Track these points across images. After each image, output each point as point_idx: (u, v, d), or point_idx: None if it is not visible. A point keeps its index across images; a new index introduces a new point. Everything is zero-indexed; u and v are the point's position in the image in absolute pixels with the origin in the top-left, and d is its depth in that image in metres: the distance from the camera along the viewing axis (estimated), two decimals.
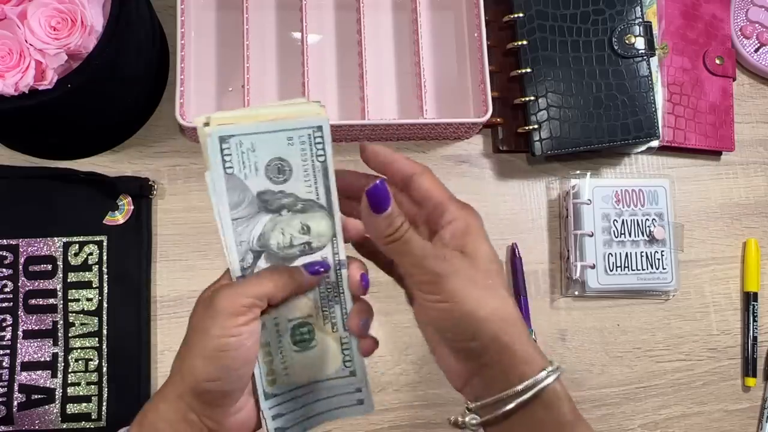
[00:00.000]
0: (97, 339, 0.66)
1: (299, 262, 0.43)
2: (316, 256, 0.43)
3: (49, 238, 0.67)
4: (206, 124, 0.39)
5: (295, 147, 0.41)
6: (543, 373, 0.39)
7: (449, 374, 0.42)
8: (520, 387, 0.38)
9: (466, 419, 0.41)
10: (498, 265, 0.41)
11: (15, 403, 0.64)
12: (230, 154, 0.40)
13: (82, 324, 0.66)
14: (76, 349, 0.65)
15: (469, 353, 0.40)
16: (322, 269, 0.43)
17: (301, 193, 0.42)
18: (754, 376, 0.75)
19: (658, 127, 0.73)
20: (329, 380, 0.45)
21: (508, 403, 0.39)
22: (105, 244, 0.67)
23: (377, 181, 0.39)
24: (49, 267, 0.66)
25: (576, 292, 0.74)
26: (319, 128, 0.41)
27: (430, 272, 0.39)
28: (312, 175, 0.42)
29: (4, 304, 0.65)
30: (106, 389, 0.65)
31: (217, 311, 0.39)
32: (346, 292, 0.44)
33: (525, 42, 0.72)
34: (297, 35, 0.74)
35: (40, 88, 0.57)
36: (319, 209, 0.42)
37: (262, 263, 0.42)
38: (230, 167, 0.40)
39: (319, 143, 0.41)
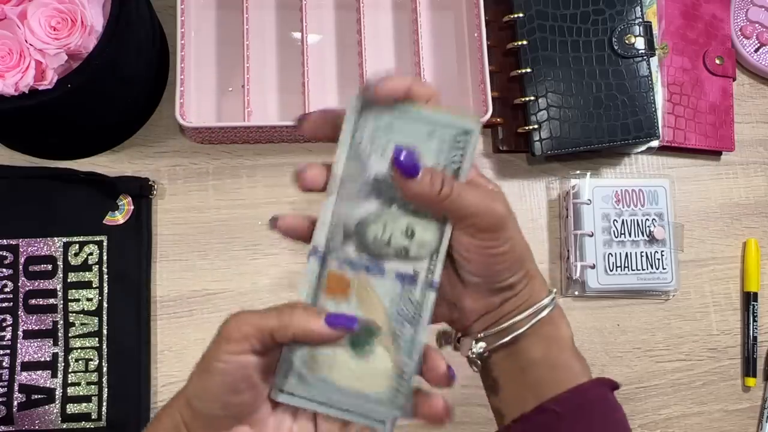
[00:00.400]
0: (97, 339, 0.66)
1: (390, 264, 0.39)
2: (407, 267, 0.39)
3: (49, 238, 0.67)
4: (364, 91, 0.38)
5: (432, 143, 0.38)
6: (550, 297, 0.43)
7: (459, 315, 0.43)
8: (536, 307, 0.42)
9: (474, 348, 0.43)
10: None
11: (15, 403, 0.64)
12: (366, 126, 0.38)
13: (82, 324, 0.66)
14: (76, 349, 0.65)
15: (500, 289, 0.42)
16: (345, 325, 0.37)
17: None
18: (754, 376, 0.75)
19: (658, 127, 0.73)
20: (365, 396, 0.39)
21: (522, 325, 0.42)
22: (105, 244, 0.67)
23: (404, 150, 0.37)
24: (49, 267, 0.66)
25: (576, 292, 0.74)
26: (467, 133, 0.38)
27: (490, 215, 0.39)
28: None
29: (4, 304, 0.65)
30: (106, 389, 0.65)
31: (220, 332, 0.37)
32: (425, 318, 0.39)
33: (525, 42, 0.72)
34: (297, 35, 0.74)
35: (40, 88, 0.57)
36: (431, 217, 0.39)
37: (350, 250, 0.39)
38: (360, 138, 0.38)
39: (459, 148, 0.38)
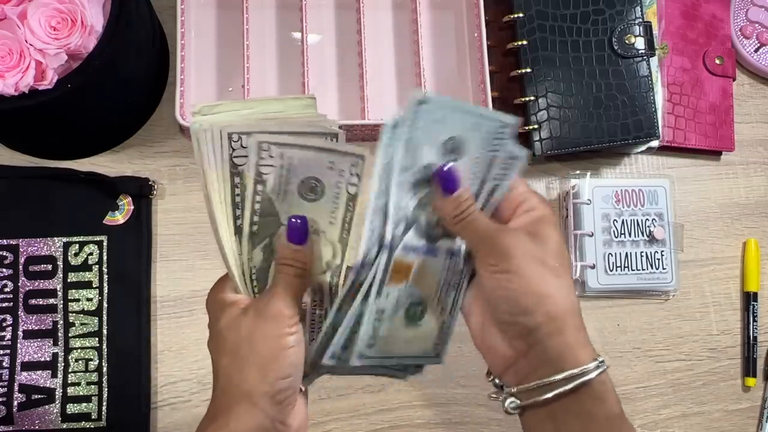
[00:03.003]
0: (97, 339, 0.66)
1: (441, 243, 0.44)
2: (454, 242, 0.44)
3: (49, 238, 0.67)
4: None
5: (477, 134, 0.42)
6: (594, 363, 0.39)
7: (492, 357, 0.43)
8: (572, 371, 0.38)
9: (506, 403, 0.41)
10: (567, 256, 0.43)
11: (15, 403, 0.64)
12: (420, 119, 0.40)
13: (82, 324, 0.66)
14: (76, 349, 0.65)
15: (521, 330, 0.40)
16: (299, 228, 0.42)
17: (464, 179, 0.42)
18: (754, 376, 0.75)
19: (658, 127, 0.73)
20: (415, 357, 0.46)
21: (556, 387, 0.39)
22: (105, 244, 0.67)
23: (449, 164, 0.41)
24: (49, 267, 0.66)
25: (576, 292, 0.74)
26: (505, 126, 0.42)
27: (497, 245, 0.40)
28: (479, 164, 0.42)
29: (4, 304, 0.65)
30: (106, 389, 0.65)
31: (273, 316, 0.40)
32: (465, 283, 0.45)
33: (525, 42, 0.72)
34: (297, 35, 0.74)
35: (40, 88, 0.57)
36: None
37: (412, 237, 0.43)
38: (416, 130, 0.40)
39: (500, 138, 0.42)
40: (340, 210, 0.42)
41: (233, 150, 0.40)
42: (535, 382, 0.40)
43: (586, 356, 0.39)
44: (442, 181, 0.41)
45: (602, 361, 0.39)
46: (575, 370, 0.38)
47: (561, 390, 0.38)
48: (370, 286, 0.41)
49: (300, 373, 0.42)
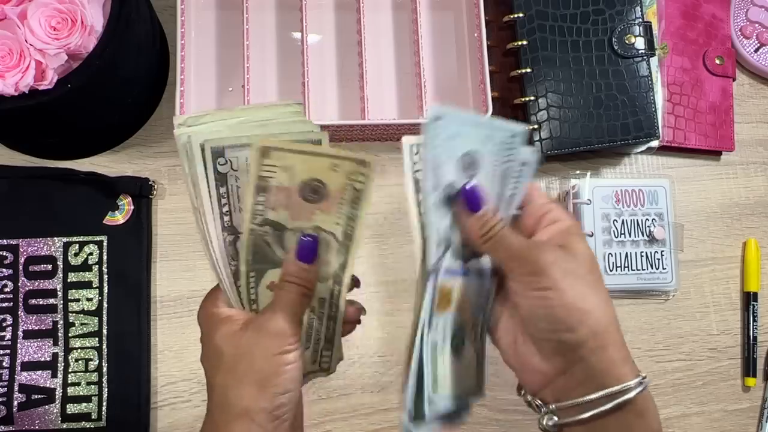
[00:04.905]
0: (97, 339, 0.66)
1: (471, 263, 0.43)
2: (481, 262, 0.43)
3: (49, 238, 0.67)
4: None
5: (488, 146, 0.42)
6: (637, 379, 0.38)
7: (528, 375, 0.42)
8: (615, 388, 0.38)
9: (543, 421, 0.40)
10: (599, 268, 0.42)
11: (15, 403, 0.64)
12: (436, 137, 0.39)
13: (82, 324, 0.66)
14: (76, 349, 0.65)
15: (562, 347, 0.39)
16: (309, 246, 0.41)
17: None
18: (754, 376, 0.75)
19: (658, 127, 0.73)
20: (465, 395, 0.43)
21: (599, 405, 0.38)
22: (105, 244, 0.67)
23: (472, 183, 0.40)
24: (49, 267, 0.66)
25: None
26: (515, 135, 0.42)
27: (532, 262, 0.39)
28: (495, 177, 0.42)
29: (4, 304, 0.65)
30: (106, 389, 0.65)
31: (275, 334, 0.40)
32: (490, 303, 0.43)
33: (525, 42, 0.72)
34: (297, 35, 0.74)
35: (40, 88, 0.57)
36: None
37: (449, 259, 0.42)
38: (435, 148, 0.39)
39: (511, 148, 0.42)
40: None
41: (217, 162, 0.40)
42: (577, 400, 0.39)
43: (628, 372, 0.39)
44: (467, 201, 0.41)
45: (645, 377, 0.39)
46: (618, 387, 0.38)
47: (606, 407, 0.38)
48: (428, 316, 0.40)
49: (298, 388, 0.41)
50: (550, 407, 0.40)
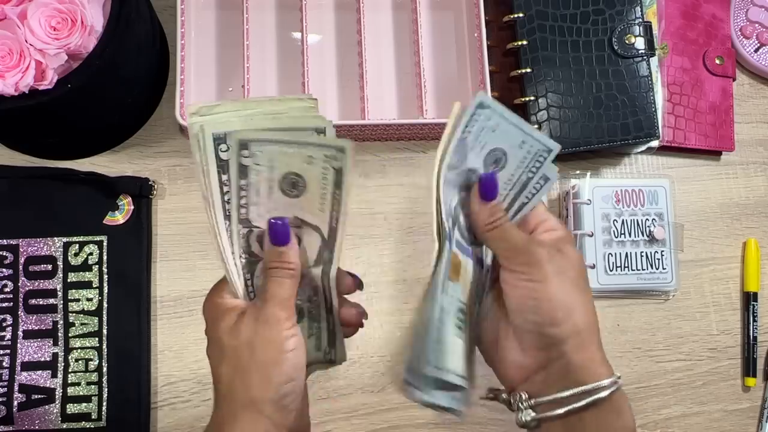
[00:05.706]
0: (97, 339, 0.66)
1: (473, 248, 0.44)
2: (480, 251, 0.45)
3: (49, 238, 0.67)
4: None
5: (521, 152, 0.43)
6: (612, 379, 0.40)
7: (506, 369, 0.43)
8: (594, 385, 0.39)
9: (521, 416, 0.41)
10: (587, 273, 0.44)
11: (15, 403, 0.64)
12: (476, 122, 0.41)
13: (82, 324, 0.66)
14: (76, 349, 0.65)
15: (545, 341, 0.41)
16: (280, 229, 0.41)
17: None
18: (754, 376, 0.75)
19: (658, 127, 0.73)
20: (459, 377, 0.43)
21: (577, 400, 0.39)
22: (105, 244, 0.67)
23: (491, 171, 0.43)
24: (49, 267, 0.66)
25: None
26: (549, 151, 0.44)
27: (528, 254, 0.41)
28: (515, 182, 0.44)
29: (4, 304, 0.65)
30: (106, 389, 0.65)
31: (269, 320, 0.40)
32: (485, 295, 0.45)
33: (525, 42, 0.72)
34: (297, 35, 0.74)
35: (40, 88, 0.57)
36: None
37: (457, 234, 0.43)
38: (468, 132, 0.41)
39: (540, 162, 0.44)
40: (327, 200, 0.41)
41: (220, 151, 0.40)
42: (555, 395, 0.40)
43: (605, 372, 0.40)
44: (484, 188, 0.43)
45: (619, 377, 0.41)
46: (593, 385, 0.39)
47: (580, 404, 0.39)
48: (442, 273, 0.41)
49: (302, 376, 0.42)
50: (529, 402, 0.41)
